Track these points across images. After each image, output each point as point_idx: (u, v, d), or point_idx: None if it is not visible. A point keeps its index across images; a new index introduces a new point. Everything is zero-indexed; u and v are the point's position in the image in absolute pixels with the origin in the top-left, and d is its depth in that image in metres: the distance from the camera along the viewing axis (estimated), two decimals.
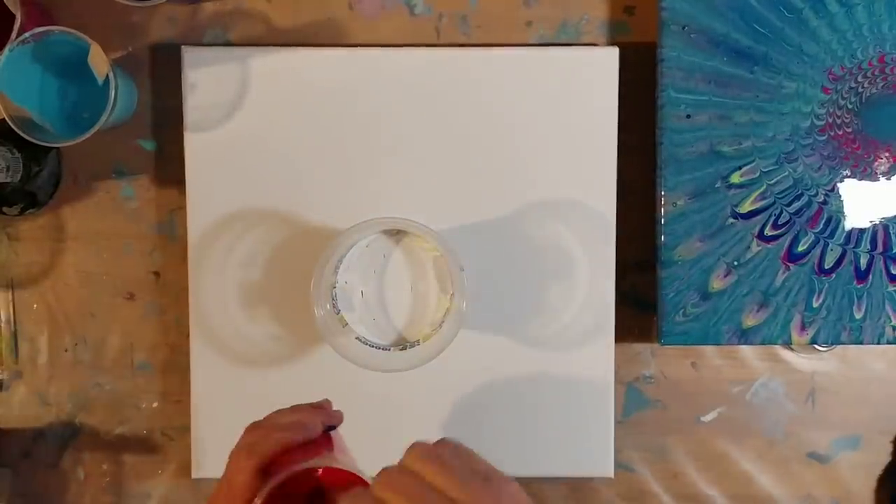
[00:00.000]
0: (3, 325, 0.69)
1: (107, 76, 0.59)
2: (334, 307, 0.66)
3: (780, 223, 0.65)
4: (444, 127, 0.66)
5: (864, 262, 0.65)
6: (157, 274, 0.69)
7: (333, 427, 0.51)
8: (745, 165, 0.65)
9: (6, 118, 0.59)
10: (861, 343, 0.65)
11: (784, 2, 0.64)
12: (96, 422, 0.69)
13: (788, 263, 0.65)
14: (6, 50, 0.58)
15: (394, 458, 0.68)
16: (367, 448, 0.68)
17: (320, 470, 0.46)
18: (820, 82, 0.64)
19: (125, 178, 0.68)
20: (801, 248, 0.65)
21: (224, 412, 0.67)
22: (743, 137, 0.64)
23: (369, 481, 0.44)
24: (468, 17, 0.68)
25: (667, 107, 0.64)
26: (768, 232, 0.65)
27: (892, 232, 0.65)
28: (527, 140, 0.66)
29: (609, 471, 0.68)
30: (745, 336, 0.65)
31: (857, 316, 0.65)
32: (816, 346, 0.68)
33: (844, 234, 0.65)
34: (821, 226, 0.65)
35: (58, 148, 0.68)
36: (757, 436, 0.70)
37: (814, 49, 0.64)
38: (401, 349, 0.66)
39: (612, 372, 0.67)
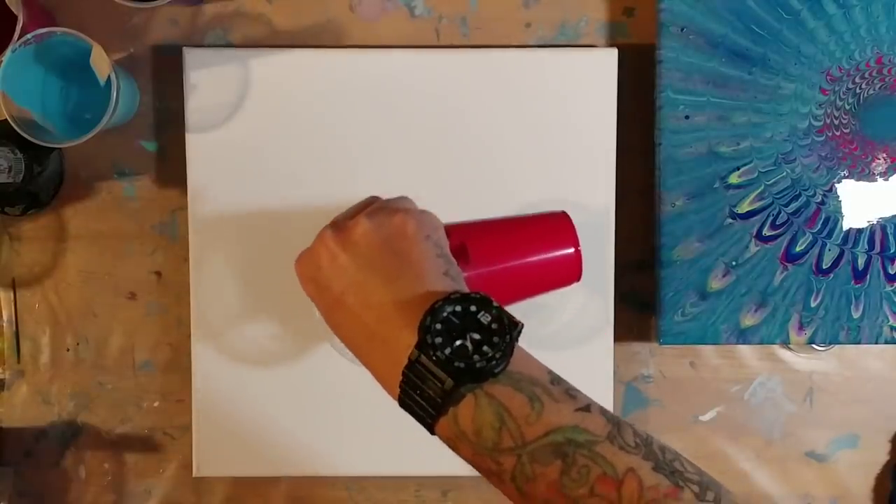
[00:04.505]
0: (5, 324, 0.69)
1: (108, 77, 0.59)
2: None
3: (778, 223, 0.65)
4: (444, 128, 0.67)
5: (861, 262, 0.65)
6: (158, 274, 0.69)
7: None
8: (743, 166, 0.65)
9: (9, 119, 0.59)
10: (859, 343, 0.65)
11: (782, 3, 0.64)
12: (98, 421, 0.70)
13: (786, 263, 0.65)
14: (8, 51, 0.58)
15: (394, 457, 0.69)
16: (366, 447, 0.68)
17: None
18: (818, 83, 0.65)
19: (127, 178, 0.69)
20: (799, 248, 0.65)
21: (225, 411, 0.67)
22: (741, 138, 0.65)
23: None
24: (468, 18, 0.68)
25: (665, 108, 0.65)
26: (766, 232, 0.65)
27: (889, 232, 0.65)
28: (526, 141, 0.67)
29: None
30: (743, 336, 0.65)
31: (855, 316, 0.65)
32: (814, 346, 0.68)
33: (842, 235, 0.65)
34: (819, 226, 0.65)
35: (60, 148, 0.68)
36: (755, 435, 0.70)
37: (812, 50, 0.64)
38: None
39: (611, 371, 0.67)
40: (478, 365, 0.40)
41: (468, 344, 0.41)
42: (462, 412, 0.41)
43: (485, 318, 0.42)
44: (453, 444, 0.42)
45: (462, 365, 0.40)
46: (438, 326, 0.41)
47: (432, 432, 0.43)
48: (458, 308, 0.42)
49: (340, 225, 0.48)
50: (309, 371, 0.67)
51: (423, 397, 0.41)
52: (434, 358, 0.41)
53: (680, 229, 0.65)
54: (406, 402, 0.42)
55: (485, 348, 0.41)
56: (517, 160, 0.67)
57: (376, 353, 0.44)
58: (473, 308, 0.42)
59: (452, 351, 0.41)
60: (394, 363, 0.42)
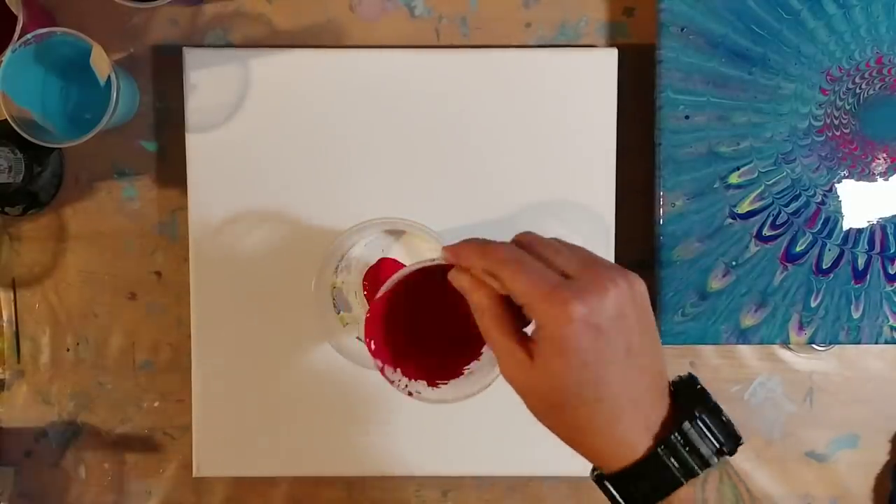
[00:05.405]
0: (5, 324, 0.69)
1: (108, 77, 0.59)
2: (335, 307, 0.66)
3: (778, 223, 0.65)
4: (443, 128, 0.67)
5: (861, 262, 0.65)
6: (158, 274, 0.69)
7: None
8: (743, 166, 0.65)
9: (9, 119, 0.59)
10: (859, 343, 0.65)
11: (782, 3, 0.64)
12: (98, 421, 0.70)
13: (786, 263, 0.65)
14: (9, 51, 0.58)
15: (394, 457, 0.69)
16: (366, 447, 0.68)
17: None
18: (818, 83, 0.65)
19: (127, 178, 0.69)
20: (799, 248, 0.65)
21: (225, 411, 0.67)
22: (741, 138, 0.65)
23: None
24: (468, 18, 0.68)
25: (665, 108, 0.65)
26: (766, 232, 0.65)
27: (889, 232, 0.65)
28: (526, 141, 0.67)
29: None
30: (743, 336, 0.65)
31: (855, 316, 0.65)
32: (814, 346, 0.68)
33: (842, 235, 0.65)
34: (819, 226, 0.65)
35: (60, 148, 0.68)
36: (755, 435, 0.70)
37: (812, 50, 0.64)
38: None
39: None
40: (740, 436, 0.44)
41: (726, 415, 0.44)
42: (710, 482, 0.42)
43: (709, 398, 0.45)
44: None
45: (735, 433, 0.44)
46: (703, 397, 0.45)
47: (662, 498, 0.43)
48: (699, 385, 0.45)
49: (628, 278, 0.45)
50: (309, 371, 0.67)
51: (692, 456, 0.43)
52: (715, 422, 0.43)
53: (680, 229, 0.65)
54: (656, 463, 0.43)
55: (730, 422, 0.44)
56: (517, 160, 0.67)
57: (630, 416, 0.43)
58: (701, 387, 0.45)
59: (727, 418, 0.44)
60: (646, 429, 0.43)
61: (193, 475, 0.68)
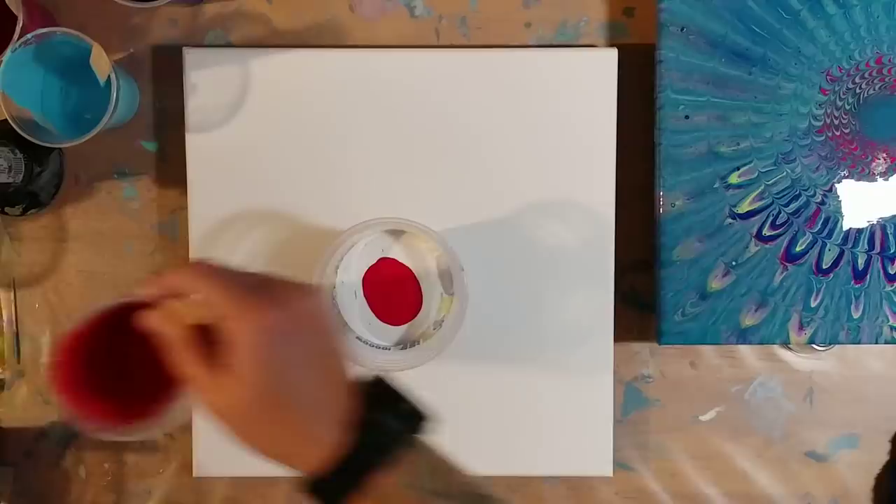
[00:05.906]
0: (5, 324, 0.69)
1: (108, 77, 0.59)
2: (334, 307, 0.66)
3: (778, 223, 0.65)
4: (443, 128, 0.67)
5: (861, 262, 0.65)
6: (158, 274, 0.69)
7: None
8: (743, 166, 0.65)
9: (9, 119, 0.59)
10: (859, 343, 0.65)
11: (782, 3, 0.64)
12: None
13: (786, 263, 0.65)
14: (9, 51, 0.58)
15: None
16: None
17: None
18: (818, 83, 0.65)
19: (127, 178, 0.69)
20: (799, 248, 0.65)
21: None
22: (741, 138, 0.65)
23: None
24: (468, 18, 0.68)
25: (665, 108, 0.65)
26: (766, 232, 0.65)
27: (889, 232, 0.65)
28: (526, 141, 0.67)
29: (608, 470, 0.68)
30: (743, 336, 0.65)
31: (855, 316, 0.65)
32: (814, 346, 0.68)
33: (842, 234, 0.65)
34: (819, 226, 0.65)
35: (60, 148, 0.68)
36: (755, 435, 0.70)
37: (812, 50, 0.64)
38: (401, 349, 0.67)
39: (611, 371, 0.67)
40: (426, 414, 0.48)
41: None
42: (406, 461, 0.45)
43: (389, 386, 0.49)
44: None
45: (420, 411, 0.48)
46: None
47: (361, 484, 0.44)
48: (384, 382, 0.49)
49: (306, 289, 0.48)
50: None
51: (384, 438, 0.45)
52: (402, 406, 0.47)
53: (680, 229, 0.65)
54: (353, 452, 0.44)
55: None
56: (517, 160, 0.67)
57: (324, 415, 0.46)
58: (383, 379, 0.49)
59: (413, 401, 0.48)
60: (338, 423, 0.45)
61: (193, 475, 0.68)
